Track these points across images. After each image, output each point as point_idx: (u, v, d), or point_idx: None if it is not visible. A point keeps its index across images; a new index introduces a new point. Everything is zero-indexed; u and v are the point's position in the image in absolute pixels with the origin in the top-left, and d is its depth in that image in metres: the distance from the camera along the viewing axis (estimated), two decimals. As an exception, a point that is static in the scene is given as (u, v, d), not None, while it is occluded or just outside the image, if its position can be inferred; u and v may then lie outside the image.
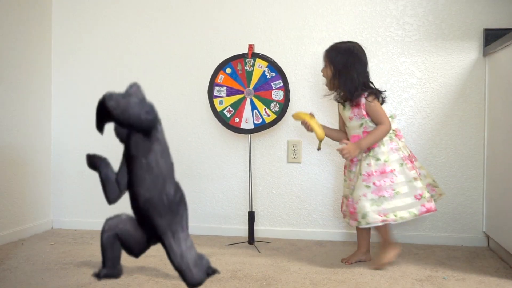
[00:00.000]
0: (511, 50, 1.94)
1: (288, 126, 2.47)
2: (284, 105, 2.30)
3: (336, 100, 2.04)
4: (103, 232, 1.72)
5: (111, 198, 1.71)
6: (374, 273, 1.89)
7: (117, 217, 1.75)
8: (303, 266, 1.98)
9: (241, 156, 2.52)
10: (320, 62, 2.43)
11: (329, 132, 2.10)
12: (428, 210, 1.90)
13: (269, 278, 1.82)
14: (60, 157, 2.70)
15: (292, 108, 2.45)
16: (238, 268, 1.95)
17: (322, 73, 2.06)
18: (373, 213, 1.88)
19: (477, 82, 2.33)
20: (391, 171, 1.90)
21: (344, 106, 2.01)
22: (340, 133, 2.12)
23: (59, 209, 2.70)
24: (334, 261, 2.05)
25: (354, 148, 1.91)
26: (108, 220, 1.74)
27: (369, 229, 2.03)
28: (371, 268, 1.95)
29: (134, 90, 1.62)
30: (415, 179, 1.90)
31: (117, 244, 1.74)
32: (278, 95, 2.31)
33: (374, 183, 1.90)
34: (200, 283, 1.68)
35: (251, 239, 2.33)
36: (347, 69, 1.94)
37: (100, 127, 1.60)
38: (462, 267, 1.99)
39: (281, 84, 2.30)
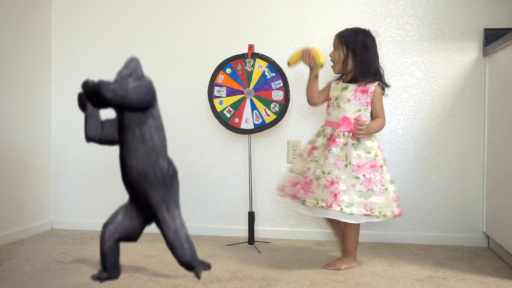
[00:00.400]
0: (511, 50, 1.94)
1: (288, 127, 2.47)
2: (284, 105, 2.30)
3: (339, 78, 2.02)
4: (103, 241, 1.72)
5: (89, 134, 1.68)
6: (374, 273, 1.89)
7: (113, 220, 1.74)
8: (303, 266, 1.98)
9: (241, 156, 2.52)
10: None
11: (315, 87, 2.06)
12: (399, 214, 1.94)
13: (269, 278, 1.82)
14: (60, 157, 2.70)
15: (292, 108, 2.46)
16: (238, 268, 1.95)
17: (330, 57, 2.03)
18: (359, 205, 1.85)
19: (477, 82, 2.33)
20: (380, 166, 1.90)
21: (344, 86, 1.98)
22: (317, 96, 2.08)
23: (59, 210, 2.71)
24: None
25: (367, 130, 1.91)
26: (106, 227, 1.73)
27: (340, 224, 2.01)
28: (323, 266, 1.95)
29: (133, 65, 1.63)
30: (392, 181, 1.95)
31: (118, 248, 1.76)
32: (278, 95, 2.31)
33: (364, 175, 1.87)
34: (191, 262, 1.71)
35: (251, 239, 2.33)
36: (364, 49, 1.95)
37: (97, 108, 1.62)
38: (462, 267, 1.99)
39: (281, 84, 2.30)
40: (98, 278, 1.75)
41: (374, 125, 1.95)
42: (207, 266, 1.83)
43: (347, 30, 2.02)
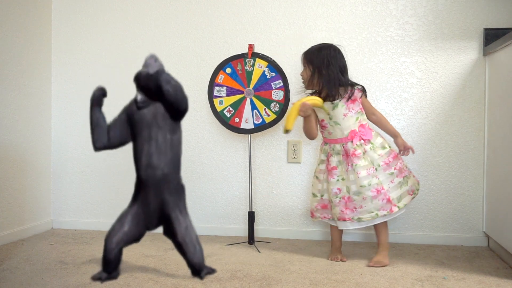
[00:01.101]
0: (511, 50, 1.94)
1: (288, 126, 2.47)
2: (284, 105, 2.30)
3: (327, 99, 2.02)
4: (109, 250, 1.72)
5: (98, 145, 1.73)
6: (374, 273, 1.89)
7: (120, 229, 1.73)
8: (303, 266, 1.98)
9: (241, 156, 2.52)
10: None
11: (314, 123, 2.09)
12: (418, 181, 2.17)
13: (269, 278, 1.82)
14: (60, 157, 2.70)
15: (292, 108, 2.45)
16: (238, 268, 1.95)
17: (301, 77, 2.10)
18: (404, 193, 2.01)
19: (477, 81, 2.33)
20: (397, 154, 2.06)
21: (334, 105, 2.01)
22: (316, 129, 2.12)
23: (59, 209, 2.71)
24: (334, 261, 2.05)
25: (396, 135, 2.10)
26: (113, 237, 1.72)
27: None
28: (368, 265, 1.99)
29: (158, 64, 1.70)
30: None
31: (121, 252, 1.77)
32: (278, 95, 2.31)
33: (395, 168, 2.00)
34: (200, 263, 1.76)
35: (251, 239, 2.33)
36: (328, 64, 2.00)
37: (149, 98, 1.68)
38: (462, 267, 1.99)
39: (281, 84, 2.30)
40: (99, 278, 1.75)
41: (388, 125, 2.12)
42: (212, 271, 1.84)
43: (311, 48, 2.07)
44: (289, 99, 2.30)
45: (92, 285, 1.73)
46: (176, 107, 1.69)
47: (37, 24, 2.59)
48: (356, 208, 1.98)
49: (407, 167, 2.08)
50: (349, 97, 2.01)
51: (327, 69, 2.00)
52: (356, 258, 2.10)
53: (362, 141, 2.00)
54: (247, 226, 2.37)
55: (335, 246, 2.13)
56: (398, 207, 1.97)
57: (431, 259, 2.09)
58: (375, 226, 2.05)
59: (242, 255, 2.15)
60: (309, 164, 2.47)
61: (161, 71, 1.66)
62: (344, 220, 2.00)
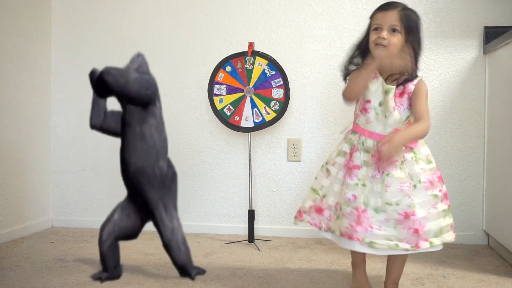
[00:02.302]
0: (511, 48, 1.94)
1: (288, 125, 2.47)
2: (284, 103, 2.30)
3: (394, 81, 1.54)
4: (102, 242, 1.72)
5: (93, 122, 1.72)
6: (374, 271, 1.89)
7: (110, 220, 1.74)
8: (303, 265, 1.98)
9: (241, 154, 2.52)
10: (319, 61, 2.44)
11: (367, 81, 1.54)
12: None
13: (269, 277, 1.82)
14: (60, 155, 2.70)
15: (292, 106, 2.45)
16: (238, 266, 1.95)
17: (383, 39, 1.50)
18: (448, 227, 1.49)
19: (477, 80, 2.33)
20: (441, 175, 1.55)
21: (387, 89, 1.52)
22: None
23: (59, 207, 2.71)
24: (334, 259, 2.05)
25: (396, 146, 1.44)
26: (104, 228, 1.73)
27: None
28: None
29: (139, 60, 1.66)
30: None
31: (117, 247, 1.76)
32: (278, 93, 2.30)
33: (440, 190, 1.50)
34: (185, 265, 1.74)
35: (251, 237, 2.33)
36: (420, 39, 1.55)
37: (101, 96, 1.65)
38: (462, 265, 1.99)
39: (281, 82, 2.30)
40: (99, 278, 1.75)
41: (407, 134, 1.47)
42: (202, 271, 1.83)
43: (410, 11, 1.53)
44: (289, 97, 2.30)
45: (92, 284, 1.73)
46: (126, 95, 1.60)
47: (37, 22, 2.58)
48: (372, 228, 1.46)
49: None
50: (401, 84, 1.51)
51: (419, 44, 1.54)
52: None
53: (403, 147, 1.49)
54: (247, 225, 2.37)
55: (360, 268, 1.66)
56: (431, 243, 1.45)
57: (431, 257, 2.09)
58: (389, 256, 1.60)
59: (242, 253, 2.16)
60: (309, 163, 2.47)
61: (106, 73, 1.56)
62: (351, 238, 1.47)
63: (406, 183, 1.46)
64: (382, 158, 1.46)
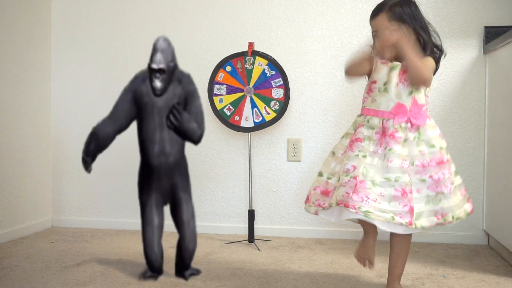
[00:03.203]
0: (511, 48, 1.94)
1: (288, 125, 2.47)
2: (284, 103, 2.30)
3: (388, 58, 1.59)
4: (155, 259, 1.77)
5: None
6: (374, 272, 1.89)
7: (154, 233, 1.76)
8: (303, 264, 1.98)
9: (241, 154, 2.52)
10: (319, 61, 2.44)
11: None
12: (472, 210, 1.64)
13: (269, 277, 1.82)
14: (60, 155, 2.70)
15: (292, 106, 2.45)
16: (238, 266, 1.95)
17: (388, 38, 1.56)
18: (429, 213, 1.51)
19: (478, 80, 2.32)
20: (448, 161, 1.55)
21: (393, 66, 1.56)
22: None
23: (59, 207, 2.70)
24: (334, 259, 2.05)
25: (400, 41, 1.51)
26: (153, 247, 1.76)
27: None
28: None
29: (172, 50, 1.81)
30: (456, 173, 1.62)
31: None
32: (278, 93, 2.30)
33: (430, 176, 1.51)
34: (191, 257, 1.79)
35: (251, 237, 2.33)
36: (420, 21, 1.63)
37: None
38: (462, 265, 1.99)
39: (281, 82, 2.30)
40: (152, 276, 1.79)
41: (414, 56, 1.51)
42: (197, 272, 1.84)
43: (394, 4, 1.61)
44: (289, 97, 2.30)
45: (92, 283, 1.73)
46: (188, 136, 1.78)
47: (37, 21, 2.58)
48: (368, 198, 1.45)
49: (453, 184, 1.57)
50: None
51: (420, 25, 1.64)
52: (356, 256, 2.10)
53: (409, 124, 1.51)
54: (247, 225, 2.37)
55: (369, 234, 1.64)
56: (415, 225, 1.47)
57: (431, 257, 2.09)
58: (391, 247, 1.62)
59: (242, 253, 2.15)
60: (309, 163, 2.46)
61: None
62: (347, 206, 1.45)
63: (406, 160, 1.49)
64: (377, 45, 1.56)
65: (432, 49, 1.57)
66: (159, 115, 1.71)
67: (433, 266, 1.96)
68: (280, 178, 2.49)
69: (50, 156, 2.70)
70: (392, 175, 1.47)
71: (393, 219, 1.44)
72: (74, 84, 2.68)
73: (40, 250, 2.18)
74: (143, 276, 1.78)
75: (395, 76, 1.54)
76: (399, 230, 1.49)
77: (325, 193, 1.60)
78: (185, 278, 1.77)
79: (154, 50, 1.76)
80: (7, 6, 2.36)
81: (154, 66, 1.72)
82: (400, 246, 1.60)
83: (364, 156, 1.51)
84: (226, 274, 1.85)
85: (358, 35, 2.41)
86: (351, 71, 1.64)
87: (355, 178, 1.47)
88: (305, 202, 1.68)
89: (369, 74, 1.64)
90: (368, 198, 1.45)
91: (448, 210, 1.52)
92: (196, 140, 1.77)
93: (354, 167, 1.50)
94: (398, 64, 1.55)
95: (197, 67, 2.55)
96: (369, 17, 1.67)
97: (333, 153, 1.63)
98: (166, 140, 1.72)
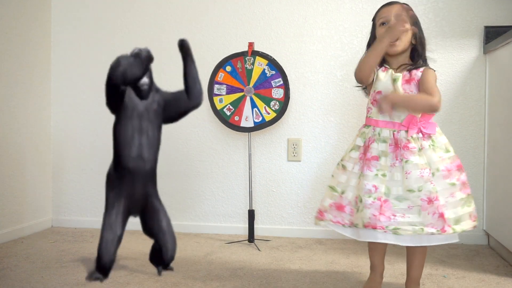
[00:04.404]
0: (511, 48, 1.94)
1: (288, 124, 2.47)
2: (284, 103, 2.30)
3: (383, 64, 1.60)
4: (109, 261, 1.68)
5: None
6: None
7: (114, 238, 1.69)
8: (303, 264, 1.98)
9: (241, 154, 2.52)
10: (319, 61, 2.44)
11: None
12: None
13: (269, 277, 1.82)
14: (60, 155, 2.70)
15: (292, 106, 2.45)
16: (238, 266, 1.95)
17: (398, 28, 1.52)
18: (466, 216, 1.49)
19: (478, 80, 2.32)
20: (462, 165, 1.55)
21: (394, 77, 1.55)
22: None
23: (59, 207, 2.70)
24: (334, 259, 2.05)
25: (392, 99, 1.49)
26: (110, 249, 1.67)
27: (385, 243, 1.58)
28: None
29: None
30: None
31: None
32: (278, 93, 2.30)
33: (458, 179, 1.50)
34: (172, 258, 1.77)
35: (251, 237, 2.33)
36: (423, 33, 1.64)
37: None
38: (462, 265, 1.98)
39: (281, 82, 2.30)
40: (97, 278, 1.74)
41: (410, 95, 1.51)
42: (171, 268, 1.84)
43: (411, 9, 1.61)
44: (289, 97, 2.30)
45: (92, 284, 1.73)
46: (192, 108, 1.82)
47: (37, 20, 2.58)
48: (395, 216, 1.45)
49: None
50: (407, 75, 1.55)
51: (423, 35, 1.64)
52: (357, 255, 2.10)
53: (421, 134, 1.51)
54: (247, 225, 2.37)
55: (376, 271, 1.66)
56: (454, 230, 1.45)
57: (431, 257, 2.09)
58: (408, 252, 1.61)
59: (242, 253, 2.15)
60: (309, 163, 2.46)
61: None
62: (374, 228, 1.45)
63: (425, 169, 1.46)
64: (380, 106, 1.51)
65: (425, 59, 1.61)
66: (139, 119, 1.71)
67: (433, 266, 1.96)
68: (280, 178, 2.49)
69: (50, 156, 2.70)
70: (415, 185, 1.46)
71: (423, 230, 1.44)
72: (74, 84, 2.68)
73: (40, 250, 2.18)
74: (90, 277, 1.73)
75: (399, 87, 1.53)
76: (438, 241, 1.48)
77: (340, 208, 1.57)
78: (159, 273, 1.80)
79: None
80: (7, 6, 2.36)
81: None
82: (417, 248, 1.58)
83: (384, 175, 1.50)
84: (226, 274, 1.85)
85: (358, 35, 2.41)
86: (366, 74, 1.57)
87: (379, 199, 1.47)
88: (318, 218, 1.62)
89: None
90: (395, 216, 1.46)
91: (475, 212, 1.53)
92: (197, 94, 1.80)
93: (376, 188, 1.48)
94: (399, 75, 1.55)
95: (197, 66, 2.54)
96: (369, 17, 1.65)
97: (343, 166, 1.59)
98: (144, 145, 1.71)
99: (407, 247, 1.58)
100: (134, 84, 1.72)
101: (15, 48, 2.42)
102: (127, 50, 2.78)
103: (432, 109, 1.49)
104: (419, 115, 1.51)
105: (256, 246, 2.27)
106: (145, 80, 1.74)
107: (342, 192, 1.57)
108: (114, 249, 1.68)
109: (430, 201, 1.44)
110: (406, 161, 1.47)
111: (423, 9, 2.36)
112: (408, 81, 1.54)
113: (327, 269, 1.92)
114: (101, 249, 1.67)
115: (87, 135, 2.65)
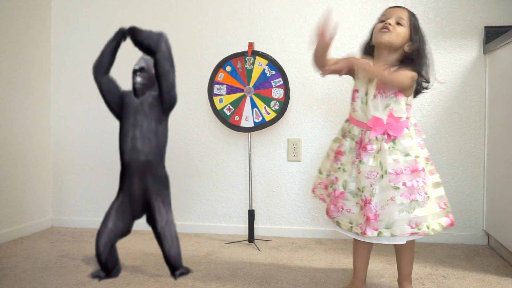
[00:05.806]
0: (511, 48, 1.94)
1: (288, 125, 2.47)
2: (284, 103, 2.30)
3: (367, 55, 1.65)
4: (100, 254, 1.69)
5: (96, 72, 1.88)
6: (374, 271, 1.89)
7: (104, 231, 1.71)
8: (303, 265, 1.98)
9: (241, 154, 2.52)
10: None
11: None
12: (451, 223, 1.58)
13: (269, 277, 1.82)
14: (60, 155, 2.70)
15: (292, 106, 2.45)
16: (238, 266, 1.95)
17: (389, 25, 1.54)
18: (402, 222, 1.48)
19: (478, 79, 2.32)
20: (422, 169, 1.51)
21: (372, 79, 1.57)
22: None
23: (59, 207, 2.70)
24: (334, 259, 2.05)
25: (351, 60, 1.57)
26: (99, 239, 1.70)
27: (369, 249, 1.66)
28: None
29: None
30: (438, 184, 1.58)
31: (115, 250, 1.76)
32: (278, 93, 2.30)
33: (404, 184, 1.48)
34: (176, 260, 1.76)
35: (251, 237, 2.33)
36: (424, 47, 1.61)
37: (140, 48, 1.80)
38: (462, 265, 1.99)
39: (281, 82, 2.30)
40: (97, 276, 1.74)
41: (371, 67, 1.56)
42: (187, 271, 1.82)
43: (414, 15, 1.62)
44: (289, 97, 2.30)
45: (91, 283, 1.73)
46: (166, 77, 1.71)
47: (36, 21, 2.58)
48: (343, 209, 1.57)
49: (426, 194, 1.51)
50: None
51: (424, 45, 1.61)
52: (356, 257, 2.10)
53: (386, 136, 1.52)
54: (247, 225, 2.37)
55: (357, 277, 1.67)
56: (379, 233, 1.49)
57: (431, 257, 2.09)
58: (396, 250, 1.65)
59: (242, 253, 2.15)
60: (309, 163, 2.46)
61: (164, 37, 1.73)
62: (328, 215, 1.63)
63: (373, 172, 1.51)
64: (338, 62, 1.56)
65: (417, 69, 1.56)
66: (134, 114, 1.74)
67: (433, 266, 1.96)
68: (280, 178, 2.49)
69: (50, 156, 2.70)
70: (361, 184, 1.52)
71: (351, 229, 1.56)
72: (74, 85, 2.68)
73: (40, 250, 2.18)
74: (92, 274, 1.76)
75: (372, 88, 1.56)
76: (369, 241, 1.57)
77: (326, 187, 1.69)
78: (175, 277, 1.78)
79: (140, 58, 1.84)
80: (7, 5, 2.36)
81: (136, 67, 1.80)
82: (402, 245, 1.59)
83: (344, 170, 1.58)
84: (226, 274, 1.85)
85: (359, 35, 2.41)
86: (317, 63, 1.61)
87: (335, 190, 1.59)
88: (313, 192, 1.76)
89: (350, 74, 1.64)
90: (343, 209, 1.57)
91: (422, 220, 1.49)
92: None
93: (337, 179, 1.60)
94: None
95: (197, 67, 2.55)
96: (369, 16, 1.65)
97: (327, 154, 1.71)
98: (138, 137, 1.72)
99: (395, 245, 1.62)
100: (110, 63, 1.86)
101: (15, 48, 2.42)
102: (126, 50, 2.79)
103: (384, 80, 1.51)
104: (385, 118, 1.53)
105: (256, 246, 2.28)
106: (137, 79, 1.77)
107: (328, 175, 1.68)
108: (104, 242, 1.68)
109: (365, 203, 1.51)
110: (360, 161, 1.53)
111: (423, 9, 2.36)
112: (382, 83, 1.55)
113: (327, 269, 1.92)
114: (95, 242, 1.71)
115: (87, 135, 2.65)
